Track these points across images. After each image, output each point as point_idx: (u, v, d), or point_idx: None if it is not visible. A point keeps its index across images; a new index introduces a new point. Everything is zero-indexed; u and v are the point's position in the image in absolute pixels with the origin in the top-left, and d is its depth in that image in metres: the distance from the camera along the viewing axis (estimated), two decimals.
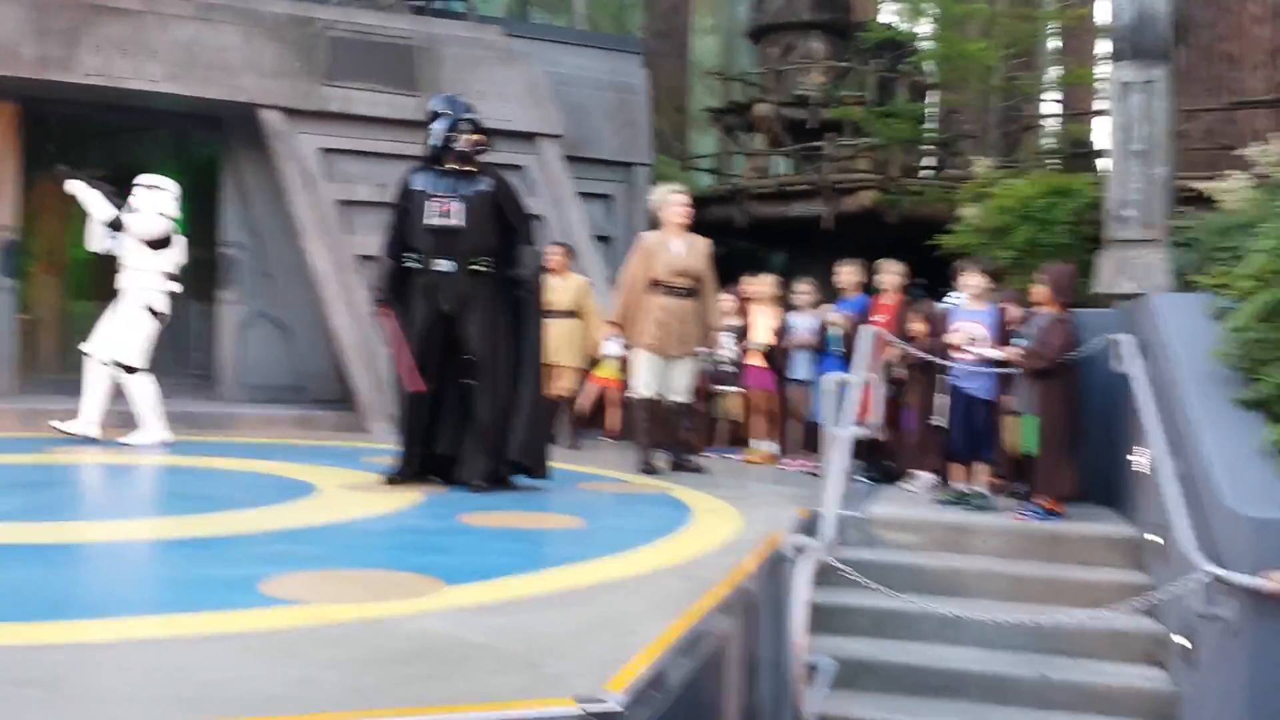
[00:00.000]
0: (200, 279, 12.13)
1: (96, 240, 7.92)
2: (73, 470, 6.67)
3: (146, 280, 7.89)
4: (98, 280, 12.04)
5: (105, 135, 11.72)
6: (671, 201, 7.32)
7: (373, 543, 4.57)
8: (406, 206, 6.06)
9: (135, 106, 10.24)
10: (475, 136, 6.04)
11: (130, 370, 7.81)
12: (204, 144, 11.50)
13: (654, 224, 7.56)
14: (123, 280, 7.91)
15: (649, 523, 5.24)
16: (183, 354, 12.74)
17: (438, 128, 6.02)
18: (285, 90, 10.08)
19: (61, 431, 7.61)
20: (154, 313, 7.93)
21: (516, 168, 10.77)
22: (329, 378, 10.75)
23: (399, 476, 6.02)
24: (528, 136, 10.86)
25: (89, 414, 7.71)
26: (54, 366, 11.95)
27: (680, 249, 7.20)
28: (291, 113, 10.10)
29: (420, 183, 6.07)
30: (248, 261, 10.90)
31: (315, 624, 3.14)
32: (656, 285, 7.13)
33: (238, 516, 4.99)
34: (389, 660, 2.84)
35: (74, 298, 12.48)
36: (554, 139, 10.99)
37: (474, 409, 5.95)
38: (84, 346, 7.91)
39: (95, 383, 7.77)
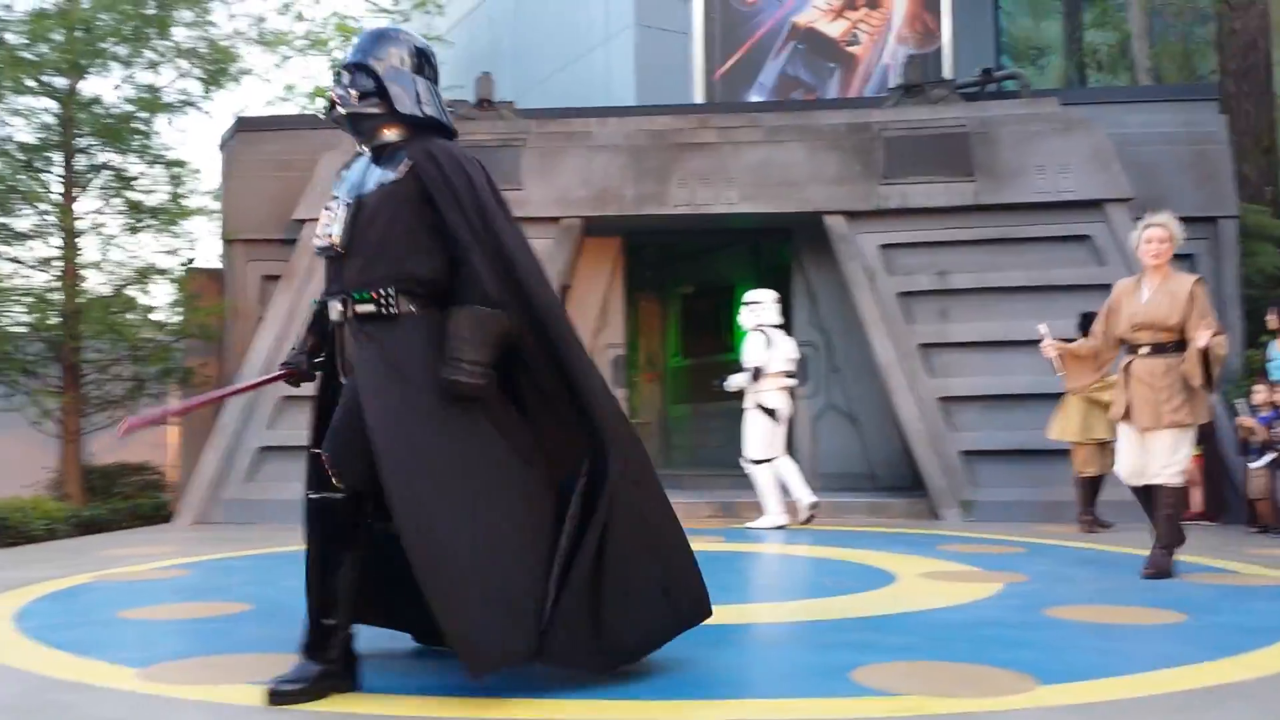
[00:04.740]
0: None
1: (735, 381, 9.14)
2: None
3: (759, 382, 9.00)
4: (693, 385, 13.49)
5: (689, 256, 13.15)
6: (1144, 237, 6.12)
7: (957, 634, 4.58)
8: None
9: (715, 228, 11.41)
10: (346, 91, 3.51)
11: (755, 462, 8.99)
12: (775, 253, 12.46)
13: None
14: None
15: (1263, 620, 4.71)
16: None
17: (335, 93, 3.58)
18: (846, 195, 10.64)
19: (756, 528, 8.87)
20: (766, 409, 8.98)
21: (1083, 238, 10.38)
22: (898, 464, 11.01)
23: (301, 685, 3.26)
24: (1095, 204, 10.44)
25: (769, 507, 8.96)
26: (659, 463, 13.44)
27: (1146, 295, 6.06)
28: (852, 215, 10.62)
29: (341, 176, 3.70)
30: (817, 358, 11.56)
31: (911, 717, 3.23)
32: (1121, 342, 6.20)
33: (826, 603, 5.27)
34: None
35: (673, 401, 13.97)
36: (1123, 203, 10.42)
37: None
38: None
39: (755, 481, 9.05)
